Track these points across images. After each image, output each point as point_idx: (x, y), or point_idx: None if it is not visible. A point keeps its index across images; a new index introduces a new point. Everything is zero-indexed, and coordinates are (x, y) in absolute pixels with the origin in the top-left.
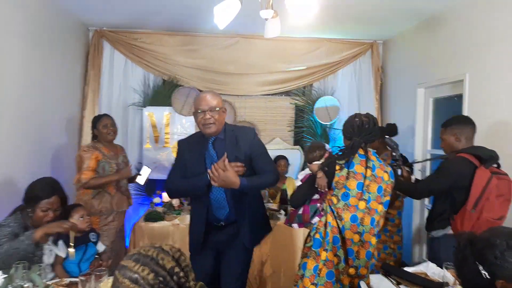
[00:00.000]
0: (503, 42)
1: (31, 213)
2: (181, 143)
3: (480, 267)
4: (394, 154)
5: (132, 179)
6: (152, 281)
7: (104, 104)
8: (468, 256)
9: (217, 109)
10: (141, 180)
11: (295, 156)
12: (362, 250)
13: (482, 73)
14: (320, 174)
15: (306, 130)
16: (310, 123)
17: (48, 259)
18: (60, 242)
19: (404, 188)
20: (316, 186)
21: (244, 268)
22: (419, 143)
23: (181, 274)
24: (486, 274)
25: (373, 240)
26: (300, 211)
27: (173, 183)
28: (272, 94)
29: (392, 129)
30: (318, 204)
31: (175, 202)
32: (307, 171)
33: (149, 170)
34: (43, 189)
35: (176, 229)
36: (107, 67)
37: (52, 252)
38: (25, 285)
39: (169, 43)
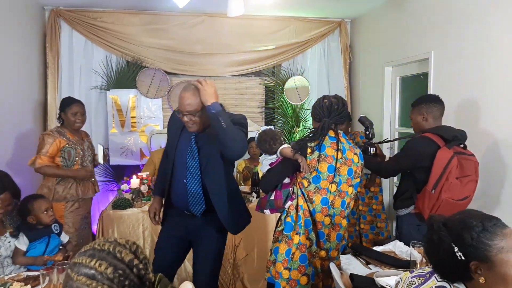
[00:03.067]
0: (466, 19)
1: None
2: (173, 114)
3: (456, 249)
4: (367, 132)
5: (96, 162)
6: (112, 275)
7: (65, 87)
8: (445, 237)
9: (196, 114)
10: (99, 159)
11: None
12: (333, 232)
13: (447, 51)
14: (300, 158)
15: (276, 111)
16: (281, 103)
17: (5, 251)
18: (21, 234)
19: (373, 167)
20: (301, 170)
21: (218, 259)
22: (387, 122)
23: (141, 266)
24: (461, 255)
25: (344, 222)
26: (272, 197)
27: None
28: (242, 75)
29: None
30: (290, 188)
31: (144, 188)
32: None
33: (101, 146)
34: None
35: (146, 215)
36: (66, 48)
37: (11, 244)
38: None
39: (132, 22)
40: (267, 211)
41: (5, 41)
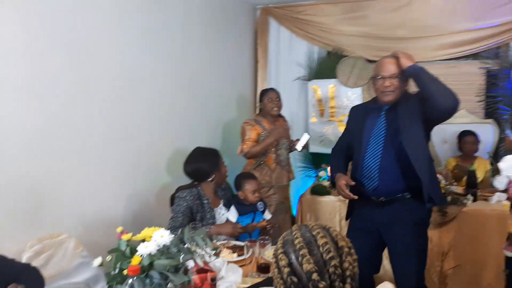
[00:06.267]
0: None
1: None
2: (352, 109)
3: None
4: None
5: (292, 147)
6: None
7: (272, 80)
8: None
9: (395, 76)
10: (298, 146)
11: (486, 131)
12: None
13: None
14: None
15: (501, 100)
16: (506, 91)
17: (219, 222)
18: (232, 208)
19: None
20: None
21: (420, 256)
22: None
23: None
24: None
25: None
26: None
27: (330, 155)
28: (455, 58)
29: None
30: None
31: None
32: None
33: (308, 136)
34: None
35: (343, 204)
36: (274, 43)
37: (224, 216)
38: (193, 247)
39: (333, 12)
40: None
41: (224, 41)
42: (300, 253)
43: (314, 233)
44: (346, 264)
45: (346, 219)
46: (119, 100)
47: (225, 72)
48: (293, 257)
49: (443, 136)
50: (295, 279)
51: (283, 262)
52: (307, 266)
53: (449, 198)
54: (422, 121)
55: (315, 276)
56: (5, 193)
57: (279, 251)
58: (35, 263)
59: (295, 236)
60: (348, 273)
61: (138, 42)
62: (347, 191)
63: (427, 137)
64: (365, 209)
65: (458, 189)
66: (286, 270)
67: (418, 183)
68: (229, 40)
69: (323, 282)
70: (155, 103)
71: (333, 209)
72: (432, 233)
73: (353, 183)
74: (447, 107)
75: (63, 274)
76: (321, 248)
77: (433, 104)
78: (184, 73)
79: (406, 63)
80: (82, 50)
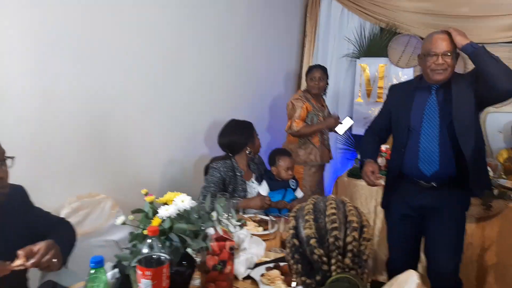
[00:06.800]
0: None
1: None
2: (392, 88)
3: None
4: None
5: (333, 128)
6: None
7: (320, 55)
8: None
9: (449, 54)
10: (340, 129)
11: None
12: None
13: None
14: None
15: None
16: None
17: (250, 195)
18: (264, 182)
19: None
20: None
21: (459, 242)
22: None
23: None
24: None
25: None
26: None
27: (364, 136)
28: None
29: None
30: None
31: (381, 161)
32: None
33: (351, 122)
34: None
35: (380, 190)
36: (324, 18)
37: (256, 190)
38: (215, 215)
39: None
40: None
41: (269, 12)
42: (306, 218)
43: (327, 203)
44: (349, 239)
45: (381, 206)
46: (165, 72)
47: (272, 46)
48: (300, 221)
49: (497, 125)
50: (296, 242)
51: (290, 225)
52: (307, 231)
53: (495, 192)
54: (475, 102)
55: (313, 241)
56: (51, 153)
57: (291, 214)
58: (72, 219)
59: (308, 203)
60: (349, 247)
61: (183, 14)
62: (372, 179)
63: (478, 119)
64: (409, 194)
65: (508, 183)
66: (291, 232)
67: (465, 170)
68: (278, 12)
69: (321, 250)
70: (200, 76)
71: (370, 194)
72: (473, 227)
73: (378, 178)
74: (507, 88)
75: (97, 232)
76: (327, 218)
77: (492, 84)
78: (229, 45)
79: (461, 40)
80: (134, 26)
